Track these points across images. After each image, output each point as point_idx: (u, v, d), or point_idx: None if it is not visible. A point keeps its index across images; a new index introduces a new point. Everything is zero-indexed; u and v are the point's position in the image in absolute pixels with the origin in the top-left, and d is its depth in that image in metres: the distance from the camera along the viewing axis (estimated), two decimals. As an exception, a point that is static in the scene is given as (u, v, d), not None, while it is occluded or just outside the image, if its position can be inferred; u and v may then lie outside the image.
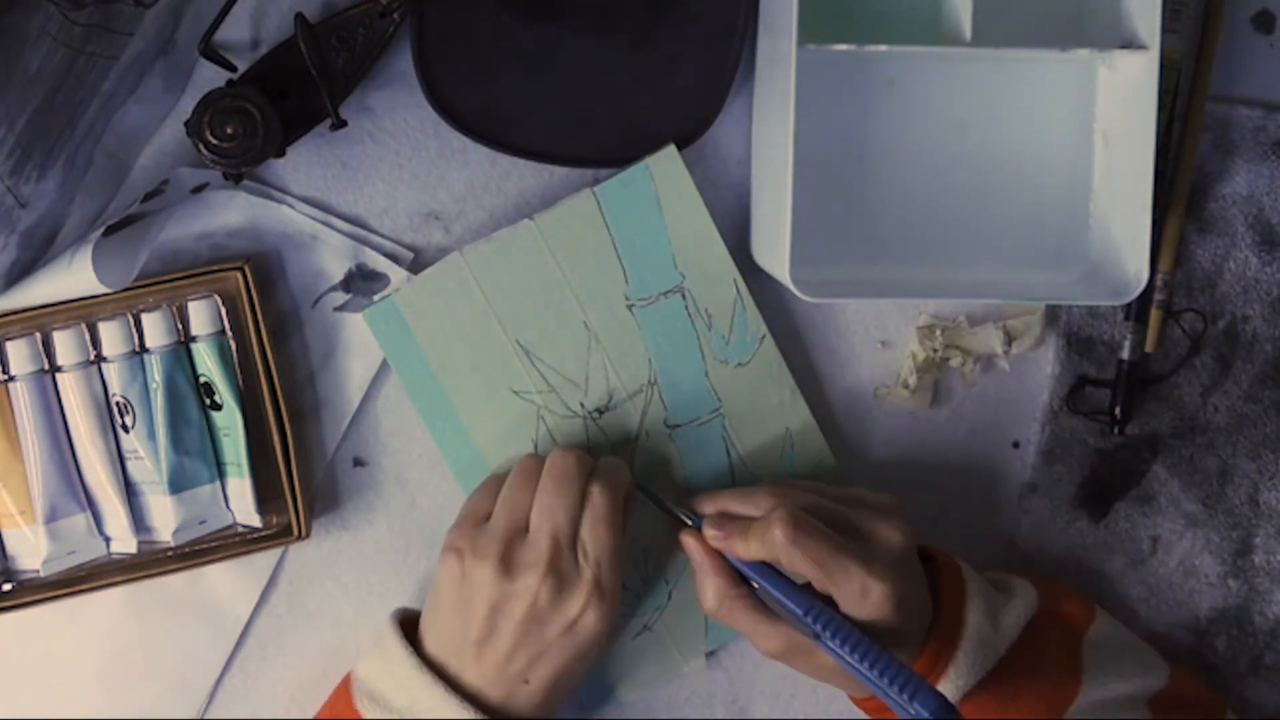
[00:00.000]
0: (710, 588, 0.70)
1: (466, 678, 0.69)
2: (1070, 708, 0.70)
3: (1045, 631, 0.72)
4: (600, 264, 0.75)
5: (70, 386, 0.71)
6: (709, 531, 0.70)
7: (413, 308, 0.73)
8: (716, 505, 0.72)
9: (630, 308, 0.75)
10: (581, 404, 0.75)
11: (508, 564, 0.68)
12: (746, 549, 0.69)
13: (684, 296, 0.75)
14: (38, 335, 0.71)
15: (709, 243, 0.75)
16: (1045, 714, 0.70)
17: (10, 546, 0.72)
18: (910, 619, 0.68)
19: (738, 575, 0.70)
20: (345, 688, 0.72)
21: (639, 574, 0.76)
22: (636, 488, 0.73)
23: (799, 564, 0.67)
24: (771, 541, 0.67)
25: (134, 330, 0.72)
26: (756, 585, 0.69)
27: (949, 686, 0.68)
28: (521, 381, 0.75)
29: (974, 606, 0.70)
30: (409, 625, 0.72)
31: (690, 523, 0.72)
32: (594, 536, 0.68)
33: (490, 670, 0.68)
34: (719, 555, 0.70)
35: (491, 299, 0.74)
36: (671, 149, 0.74)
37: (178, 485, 0.72)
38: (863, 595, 0.67)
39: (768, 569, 0.69)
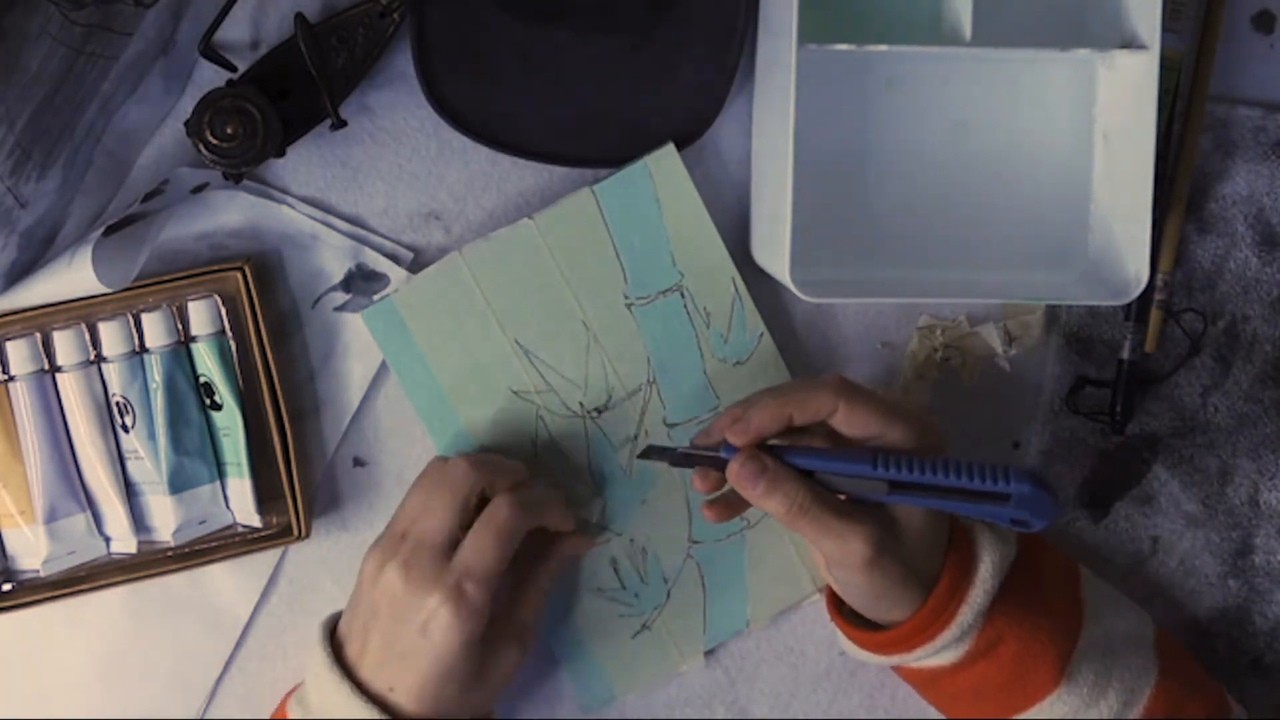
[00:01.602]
0: (783, 494, 0.66)
1: (361, 675, 0.68)
2: (1079, 640, 0.70)
3: (1041, 562, 0.72)
4: (599, 262, 0.75)
5: (70, 386, 0.71)
6: (762, 411, 0.67)
7: (411, 307, 0.73)
8: (729, 417, 0.68)
9: (629, 306, 0.75)
10: (580, 403, 0.75)
11: (382, 559, 0.68)
12: (804, 413, 0.67)
13: (682, 295, 0.75)
14: (38, 335, 0.71)
15: (707, 241, 0.75)
16: (1058, 644, 0.70)
17: (10, 546, 0.72)
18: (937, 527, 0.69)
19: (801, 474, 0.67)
20: (290, 692, 0.72)
21: (637, 573, 0.76)
22: (593, 524, 0.73)
23: (861, 409, 0.66)
24: (835, 388, 0.67)
25: (134, 330, 0.72)
26: (815, 472, 0.67)
27: (978, 592, 0.68)
28: (520, 381, 0.75)
29: (979, 524, 0.71)
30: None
31: (724, 456, 0.68)
32: (474, 545, 0.67)
33: (369, 668, 0.68)
34: (778, 462, 0.67)
35: (490, 298, 0.74)
36: (670, 147, 0.74)
37: (178, 485, 0.72)
38: (923, 432, 0.67)
39: (815, 452, 0.68)
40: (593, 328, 0.75)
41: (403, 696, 0.67)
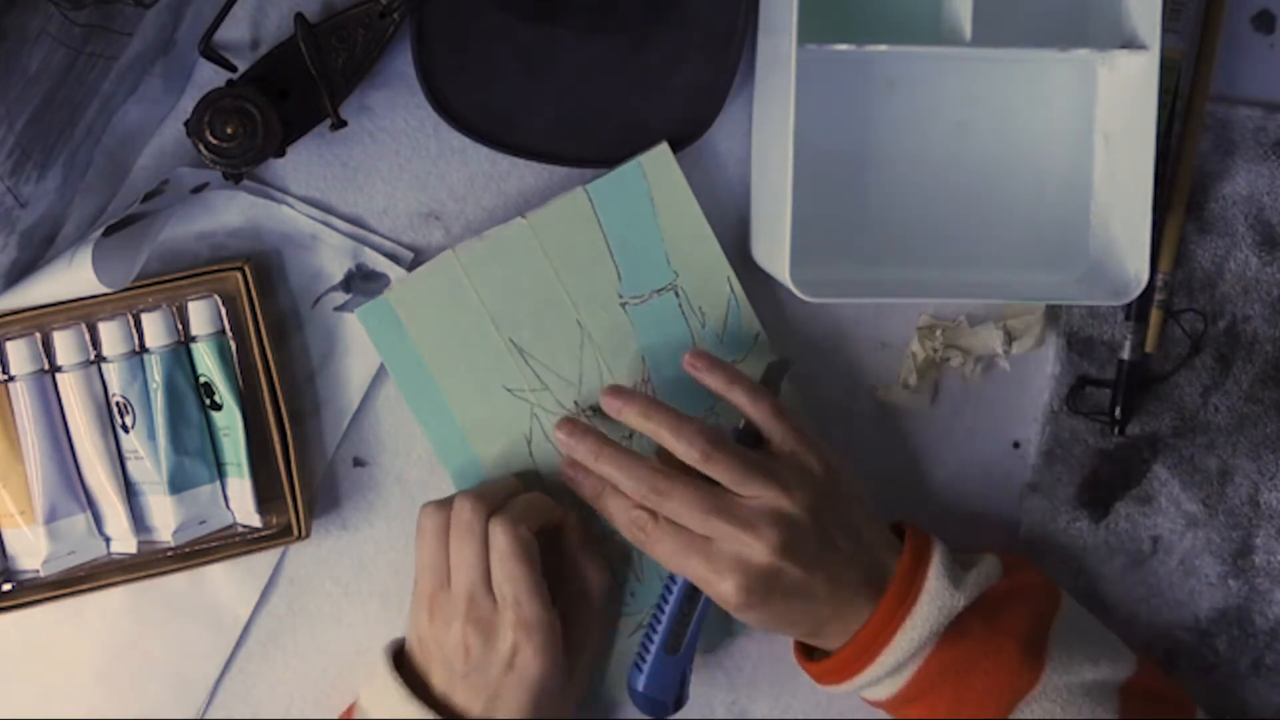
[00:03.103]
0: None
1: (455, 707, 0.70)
2: (1032, 691, 0.70)
3: (1009, 609, 0.71)
4: (593, 262, 0.75)
5: (70, 386, 0.71)
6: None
7: (405, 305, 0.73)
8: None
9: (623, 305, 0.75)
10: (575, 402, 0.75)
11: (436, 618, 0.70)
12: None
13: (677, 294, 0.75)
14: (38, 335, 0.71)
15: (702, 240, 0.75)
16: (1000, 696, 0.69)
17: (10, 546, 0.72)
18: (839, 578, 0.68)
19: None
20: (349, 714, 0.73)
21: (633, 572, 0.76)
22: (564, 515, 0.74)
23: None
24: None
25: (134, 330, 0.72)
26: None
27: (903, 640, 0.68)
28: (515, 379, 0.75)
29: (934, 569, 0.70)
30: (401, 656, 0.73)
31: None
32: (503, 575, 0.69)
33: (465, 708, 0.70)
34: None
35: (484, 297, 0.74)
36: (664, 146, 0.74)
37: (178, 485, 0.72)
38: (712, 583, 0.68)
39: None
40: (587, 327, 0.75)
41: None
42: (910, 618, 0.68)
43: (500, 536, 0.69)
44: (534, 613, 0.68)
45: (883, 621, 0.69)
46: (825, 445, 0.71)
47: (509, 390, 0.75)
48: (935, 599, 0.69)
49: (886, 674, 0.69)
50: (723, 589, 0.67)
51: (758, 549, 0.66)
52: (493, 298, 0.74)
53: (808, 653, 0.73)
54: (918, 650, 0.69)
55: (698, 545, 0.67)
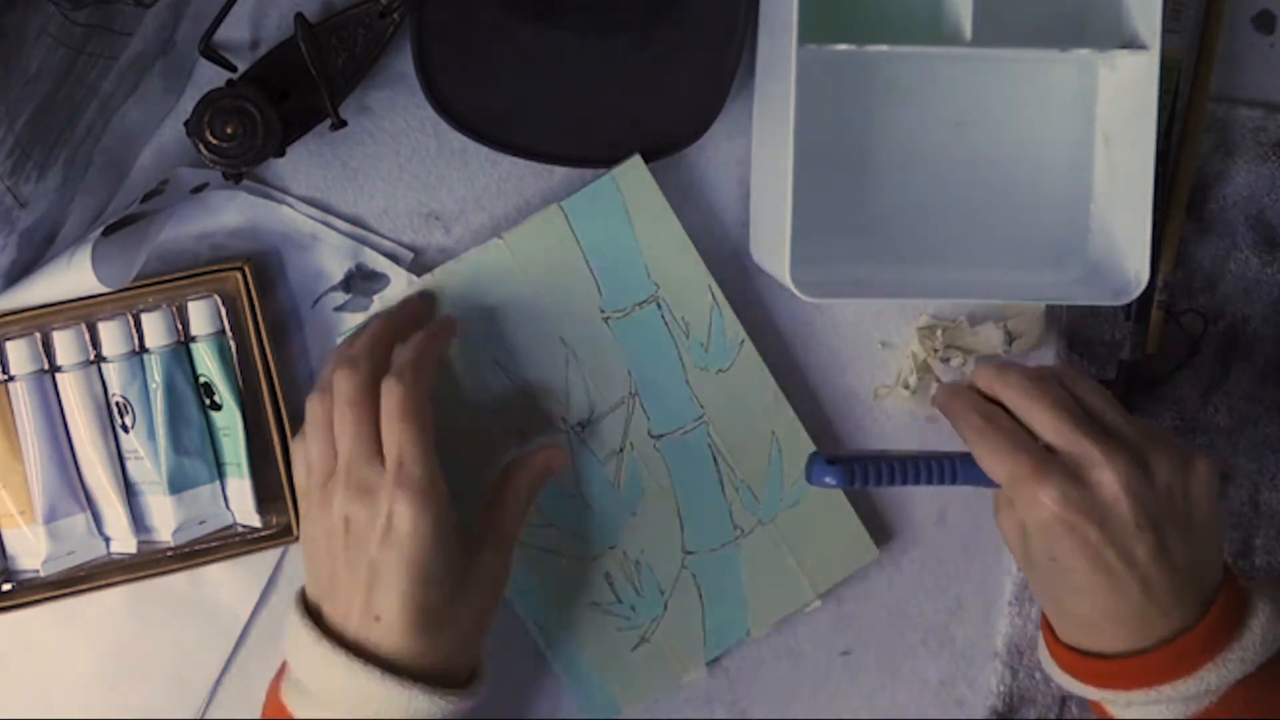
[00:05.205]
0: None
1: (349, 634, 0.64)
2: None
3: None
4: (572, 278, 0.74)
5: (70, 386, 0.71)
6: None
7: None
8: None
9: (605, 320, 0.75)
10: (563, 419, 0.75)
11: (318, 506, 0.65)
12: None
13: (659, 306, 0.75)
14: (38, 335, 0.71)
15: (681, 250, 0.75)
16: None
17: (10, 546, 0.72)
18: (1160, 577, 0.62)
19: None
20: (279, 676, 0.69)
21: (632, 586, 0.76)
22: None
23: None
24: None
25: (134, 330, 0.72)
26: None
27: (1234, 659, 0.62)
28: (501, 399, 0.74)
29: (1260, 596, 0.64)
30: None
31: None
32: (389, 434, 0.63)
33: (350, 616, 0.64)
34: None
35: (465, 319, 0.74)
36: (637, 159, 0.74)
37: (177, 485, 0.72)
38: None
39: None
40: (570, 344, 0.75)
41: (389, 620, 0.62)
42: (1243, 638, 0.62)
43: (390, 395, 0.64)
44: (420, 471, 0.62)
45: (1213, 629, 0.62)
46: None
47: (496, 412, 0.74)
48: (1268, 625, 0.63)
49: (1188, 695, 0.62)
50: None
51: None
52: (474, 320, 0.74)
53: (1063, 643, 0.67)
54: (1238, 677, 0.62)
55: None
